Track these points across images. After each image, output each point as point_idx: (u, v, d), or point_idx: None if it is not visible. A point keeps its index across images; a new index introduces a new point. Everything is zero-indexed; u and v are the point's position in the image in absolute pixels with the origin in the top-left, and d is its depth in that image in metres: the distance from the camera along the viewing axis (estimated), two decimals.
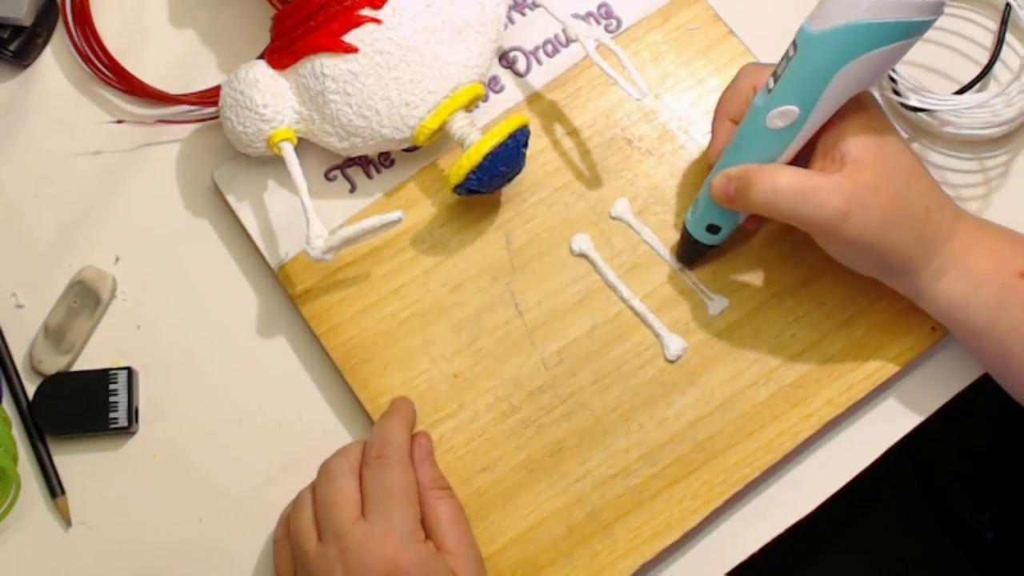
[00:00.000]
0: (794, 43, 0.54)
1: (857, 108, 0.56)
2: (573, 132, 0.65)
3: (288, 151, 0.61)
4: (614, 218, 0.63)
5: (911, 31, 0.52)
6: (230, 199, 0.64)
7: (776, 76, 0.55)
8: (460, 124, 0.62)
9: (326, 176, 0.65)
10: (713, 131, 0.61)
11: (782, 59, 0.55)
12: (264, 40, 0.63)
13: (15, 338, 0.64)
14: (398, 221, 0.59)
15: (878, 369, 0.61)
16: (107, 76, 0.68)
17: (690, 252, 0.62)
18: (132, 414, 0.62)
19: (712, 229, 0.60)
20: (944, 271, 0.56)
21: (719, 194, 0.57)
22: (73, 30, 0.68)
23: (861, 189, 0.54)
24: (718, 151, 0.59)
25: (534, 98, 0.66)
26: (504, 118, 0.63)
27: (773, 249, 0.63)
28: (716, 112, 0.61)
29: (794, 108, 0.54)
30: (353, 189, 0.65)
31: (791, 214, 0.55)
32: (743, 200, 0.56)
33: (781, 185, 0.55)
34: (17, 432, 0.63)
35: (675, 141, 0.65)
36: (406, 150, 0.65)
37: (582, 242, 0.62)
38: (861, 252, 0.56)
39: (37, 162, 0.67)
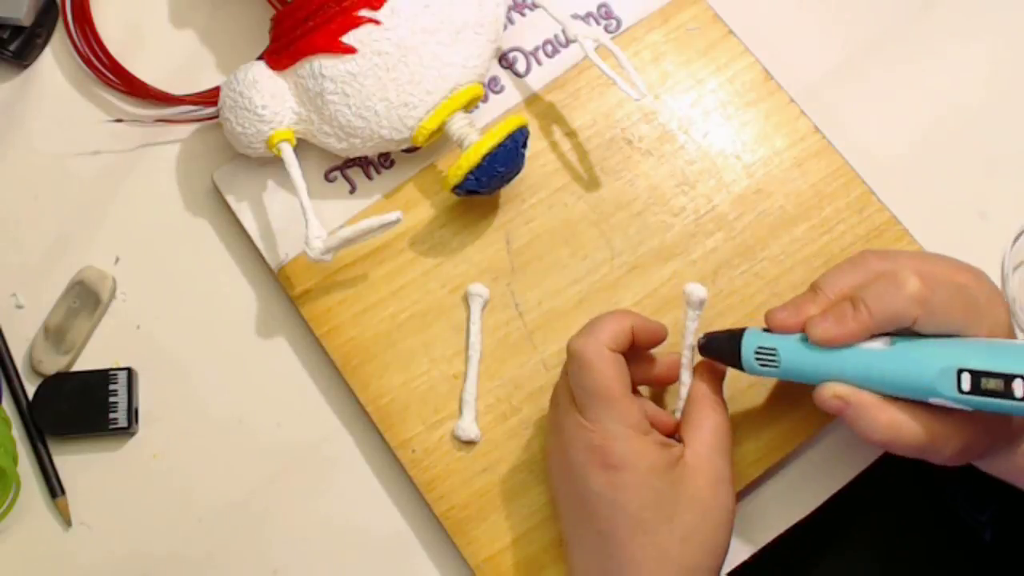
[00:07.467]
0: None
1: None
2: (572, 133, 0.65)
3: (287, 152, 0.61)
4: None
5: None
6: (230, 200, 0.64)
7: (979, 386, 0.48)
8: (459, 125, 0.62)
9: (326, 177, 0.65)
10: (855, 309, 0.51)
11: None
12: (263, 41, 0.63)
13: (15, 338, 0.64)
14: (397, 222, 0.59)
15: None
16: (107, 76, 0.68)
17: (722, 352, 0.55)
18: (132, 414, 0.62)
19: (765, 363, 0.53)
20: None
21: (826, 406, 0.51)
22: (73, 30, 0.68)
23: (979, 433, 0.51)
24: (850, 335, 0.50)
25: (533, 99, 0.66)
26: (503, 119, 0.63)
27: None
28: (864, 304, 0.50)
29: (967, 409, 0.49)
30: (353, 190, 0.65)
31: (903, 454, 0.51)
32: (852, 426, 0.51)
33: (904, 435, 0.50)
34: (17, 432, 0.63)
35: (675, 141, 0.65)
36: (406, 151, 0.65)
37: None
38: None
39: (37, 162, 0.67)
